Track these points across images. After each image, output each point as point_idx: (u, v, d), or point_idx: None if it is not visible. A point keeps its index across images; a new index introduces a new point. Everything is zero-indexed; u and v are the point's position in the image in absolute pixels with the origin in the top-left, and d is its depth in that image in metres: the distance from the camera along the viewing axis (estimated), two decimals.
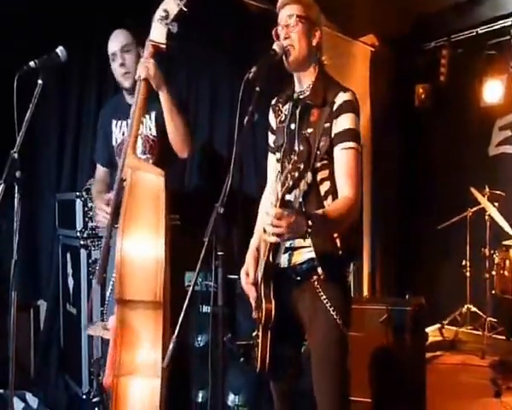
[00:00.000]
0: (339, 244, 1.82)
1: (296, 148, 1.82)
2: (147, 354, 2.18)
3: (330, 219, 1.69)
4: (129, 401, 2.15)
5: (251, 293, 1.96)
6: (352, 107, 1.81)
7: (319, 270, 1.80)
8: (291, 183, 1.56)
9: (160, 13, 2.17)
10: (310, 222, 1.58)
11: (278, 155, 1.96)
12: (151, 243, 2.12)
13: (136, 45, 2.43)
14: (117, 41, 2.43)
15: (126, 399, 2.16)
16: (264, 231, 1.68)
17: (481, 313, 4.58)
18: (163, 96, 2.26)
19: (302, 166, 1.54)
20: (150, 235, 2.14)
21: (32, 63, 1.95)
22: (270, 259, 1.86)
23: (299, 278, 1.86)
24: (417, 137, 5.47)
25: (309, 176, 1.72)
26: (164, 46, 2.22)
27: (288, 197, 1.82)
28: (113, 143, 2.53)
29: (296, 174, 1.55)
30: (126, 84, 2.44)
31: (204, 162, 3.74)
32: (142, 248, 2.15)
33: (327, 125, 1.80)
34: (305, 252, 1.84)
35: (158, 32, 2.21)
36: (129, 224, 2.24)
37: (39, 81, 1.95)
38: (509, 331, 4.39)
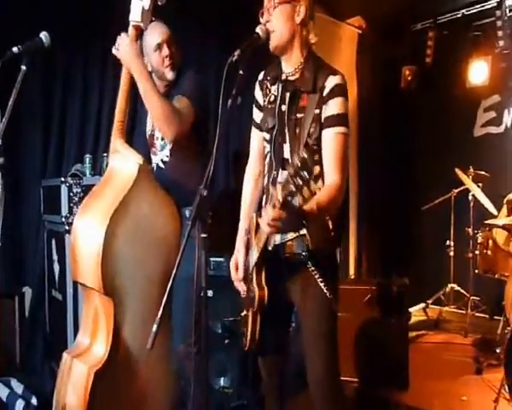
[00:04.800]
0: (331, 226, 1.85)
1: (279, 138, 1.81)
2: (89, 339, 2.20)
3: (322, 209, 1.71)
4: (63, 376, 2.17)
5: (240, 288, 2.00)
6: (341, 91, 1.82)
7: (311, 252, 1.82)
8: (293, 188, 1.47)
9: None
10: (305, 221, 1.63)
11: (268, 135, 1.96)
12: (95, 230, 2.11)
13: (174, 36, 2.42)
14: (161, 32, 2.39)
15: (63, 372, 2.17)
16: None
17: (465, 292, 4.65)
18: (136, 77, 2.21)
19: (307, 175, 1.44)
20: (97, 222, 2.12)
21: (15, 49, 1.92)
22: (262, 245, 1.88)
23: (288, 255, 1.88)
24: (403, 119, 5.49)
25: (312, 185, 1.53)
26: (142, 24, 2.20)
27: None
28: (147, 132, 2.56)
29: (300, 182, 1.45)
30: (169, 76, 2.41)
31: None
32: (88, 233, 2.16)
33: (317, 111, 1.81)
34: None
35: (135, 12, 2.20)
36: (85, 208, 2.25)
37: (23, 67, 1.92)
38: (491, 310, 4.46)
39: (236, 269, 2.01)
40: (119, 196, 2.16)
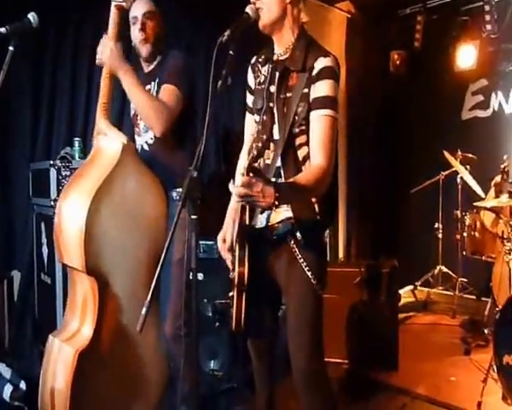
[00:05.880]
0: (317, 209, 1.84)
1: (265, 117, 1.82)
2: (76, 321, 2.19)
3: (299, 187, 1.69)
4: (51, 360, 2.17)
5: (228, 258, 1.99)
6: (331, 73, 1.78)
7: (297, 233, 1.81)
8: (255, 152, 1.56)
9: None
10: (277, 193, 1.57)
11: (257, 117, 1.94)
12: (79, 208, 2.10)
13: (159, 14, 2.41)
14: (141, 6, 2.39)
15: (50, 356, 2.18)
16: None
17: (453, 274, 4.71)
18: (121, 79, 2.23)
19: (265, 137, 1.56)
20: (80, 201, 2.11)
21: (2, 29, 1.89)
22: (246, 221, 1.88)
23: (275, 238, 1.88)
24: (392, 103, 5.50)
25: (274, 148, 1.72)
26: (124, 3, 2.21)
27: (264, 164, 1.85)
28: (131, 112, 2.55)
29: (260, 144, 1.56)
30: (144, 51, 2.41)
31: None
32: (71, 212, 2.14)
33: (305, 90, 1.79)
34: (282, 211, 1.85)
35: None
36: (69, 188, 2.24)
37: (10, 48, 1.89)
38: (479, 291, 4.52)
39: (224, 242, 2.01)
40: (103, 174, 2.15)
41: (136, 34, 2.40)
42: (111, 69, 2.25)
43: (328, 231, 4.84)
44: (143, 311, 1.46)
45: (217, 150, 4.05)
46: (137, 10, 2.38)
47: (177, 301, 2.28)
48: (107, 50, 2.23)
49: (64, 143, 3.25)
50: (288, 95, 1.82)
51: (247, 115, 2.07)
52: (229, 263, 1.99)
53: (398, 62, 5.31)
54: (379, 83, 5.47)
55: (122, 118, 3.34)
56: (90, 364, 2.11)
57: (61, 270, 2.81)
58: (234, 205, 2.05)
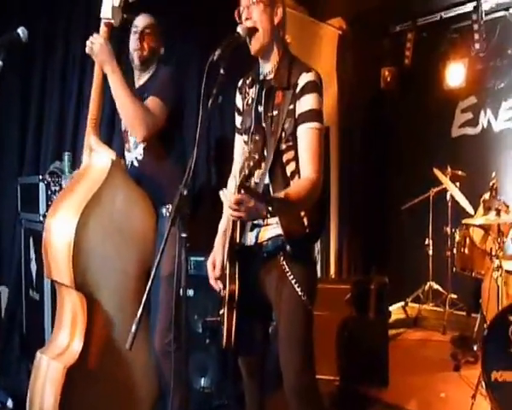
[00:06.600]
0: (306, 223, 1.84)
1: (255, 136, 1.85)
2: (65, 337, 2.16)
3: (290, 201, 1.70)
4: (39, 377, 2.14)
5: (216, 287, 1.99)
6: (314, 87, 1.82)
7: (286, 247, 1.82)
8: (247, 171, 1.60)
9: None
10: (269, 207, 1.60)
11: (246, 137, 1.97)
12: (67, 224, 2.10)
13: (159, 31, 2.50)
14: (143, 19, 2.49)
15: (38, 372, 2.15)
16: None
17: (443, 290, 4.73)
18: (108, 76, 2.24)
19: (257, 156, 1.58)
20: (69, 216, 2.12)
21: None
22: (237, 239, 1.89)
23: (265, 255, 1.88)
24: (383, 119, 5.55)
25: (263, 166, 1.77)
26: (113, 21, 2.23)
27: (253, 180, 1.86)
28: (122, 127, 2.56)
29: (251, 163, 1.59)
30: (136, 59, 2.47)
31: None
32: (59, 228, 2.14)
33: (291, 106, 1.81)
34: (271, 228, 1.86)
35: (106, 8, 2.24)
36: (58, 203, 2.24)
37: None
38: (468, 307, 4.53)
39: (213, 268, 2.01)
40: (92, 190, 2.16)
41: (133, 42, 2.47)
42: (100, 63, 2.26)
43: (318, 247, 4.89)
44: (133, 328, 1.45)
45: (208, 166, 4.06)
46: (140, 21, 2.48)
47: (165, 317, 2.27)
48: (97, 44, 2.24)
49: (53, 157, 3.23)
50: (275, 113, 1.84)
51: (237, 136, 2.09)
52: (216, 290, 1.99)
53: (388, 79, 5.38)
54: (370, 99, 5.52)
55: (112, 133, 3.35)
56: (78, 380, 2.09)
57: (50, 286, 2.78)
58: (223, 227, 2.06)
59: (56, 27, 3.28)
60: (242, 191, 1.59)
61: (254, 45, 1.85)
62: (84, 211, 2.09)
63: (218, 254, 2.02)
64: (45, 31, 3.23)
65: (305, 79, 1.81)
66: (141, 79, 2.51)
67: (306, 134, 1.81)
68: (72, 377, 2.06)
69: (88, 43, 2.27)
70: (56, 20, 3.28)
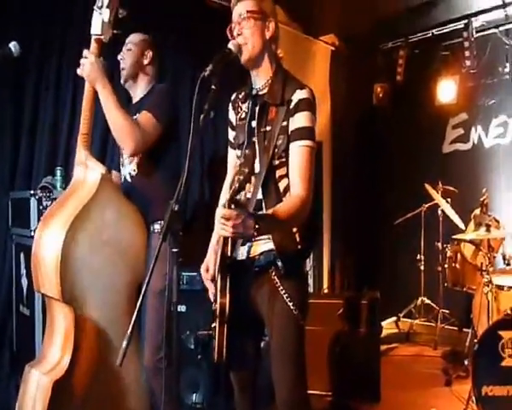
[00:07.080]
0: (298, 239, 1.85)
1: (247, 151, 1.86)
2: (54, 351, 2.15)
3: (279, 219, 1.71)
4: (28, 391, 2.13)
5: (210, 288, 1.99)
6: (308, 105, 1.83)
7: (278, 262, 1.82)
8: (237, 185, 1.60)
9: (97, 3, 2.21)
10: (257, 225, 1.62)
11: (239, 152, 1.98)
12: (55, 236, 2.11)
13: (146, 47, 2.51)
14: (131, 36, 2.52)
15: (27, 387, 2.14)
16: None
17: (434, 305, 4.74)
18: (99, 92, 2.25)
19: (247, 171, 1.59)
20: (57, 229, 2.12)
21: None
22: (228, 253, 1.89)
23: (257, 269, 1.89)
24: (375, 135, 5.59)
25: (253, 181, 1.78)
26: (103, 37, 2.25)
27: (245, 197, 1.86)
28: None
29: (241, 177, 1.60)
30: (121, 77, 2.49)
31: None
32: (48, 241, 2.15)
33: (284, 123, 1.83)
34: (263, 243, 1.86)
35: (96, 25, 2.25)
36: (47, 217, 2.24)
37: None
38: (460, 322, 4.54)
39: (207, 271, 2.02)
40: (81, 204, 2.16)
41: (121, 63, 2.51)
42: (90, 81, 2.26)
43: (311, 262, 4.90)
44: (124, 344, 1.45)
45: (201, 181, 4.07)
46: (128, 38, 2.52)
47: (156, 333, 2.26)
48: (87, 64, 2.25)
49: (45, 172, 3.22)
50: (268, 128, 1.86)
51: (229, 150, 2.11)
52: (211, 295, 1.99)
53: (380, 95, 5.42)
54: (362, 115, 5.57)
55: (105, 147, 3.35)
56: (66, 394, 2.07)
57: (41, 302, 2.76)
58: (216, 238, 2.06)
59: (51, 40, 3.30)
60: (232, 206, 1.61)
61: (244, 56, 1.86)
62: (72, 224, 2.09)
63: (211, 260, 2.02)
64: (39, 44, 3.24)
65: (298, 95, 1.83)
66: (136, 97, 2.53)
67: (298, 152, 1.82)
68: (59, 390, 2.05)
69: (81, 65, 2.28)
70: (51, 33, 3.30)
